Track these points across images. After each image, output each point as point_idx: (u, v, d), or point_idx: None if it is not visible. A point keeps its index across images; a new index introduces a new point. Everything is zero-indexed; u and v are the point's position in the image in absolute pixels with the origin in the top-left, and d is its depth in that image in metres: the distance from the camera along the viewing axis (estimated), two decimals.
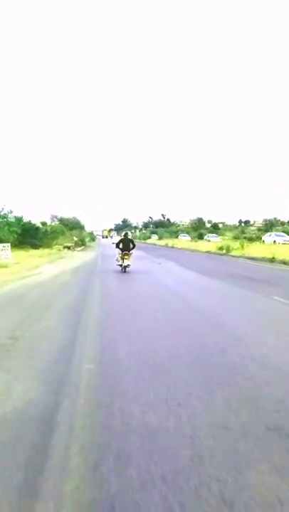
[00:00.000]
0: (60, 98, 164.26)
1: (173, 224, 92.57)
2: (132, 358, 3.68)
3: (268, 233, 37.59)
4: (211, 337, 4.53)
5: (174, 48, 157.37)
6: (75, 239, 39.49)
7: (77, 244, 34.11)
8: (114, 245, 13.72)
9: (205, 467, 1.89)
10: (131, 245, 13.08)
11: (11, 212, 29.02)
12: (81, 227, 63.88)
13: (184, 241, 42.42)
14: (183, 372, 3.29)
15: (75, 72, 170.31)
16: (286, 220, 65.11)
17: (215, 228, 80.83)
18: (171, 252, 26.51)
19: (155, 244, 43.84)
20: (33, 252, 24.83)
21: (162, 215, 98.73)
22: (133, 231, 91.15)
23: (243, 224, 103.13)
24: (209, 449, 2.04)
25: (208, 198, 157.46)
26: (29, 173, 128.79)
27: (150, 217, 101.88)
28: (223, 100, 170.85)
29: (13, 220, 29.48)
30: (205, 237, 45.37)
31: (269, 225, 60.56)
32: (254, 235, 55.00)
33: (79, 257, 20.80)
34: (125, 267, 12.63)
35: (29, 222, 30.79)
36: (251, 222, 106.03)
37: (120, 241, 13.33)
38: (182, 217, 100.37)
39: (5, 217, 28.27)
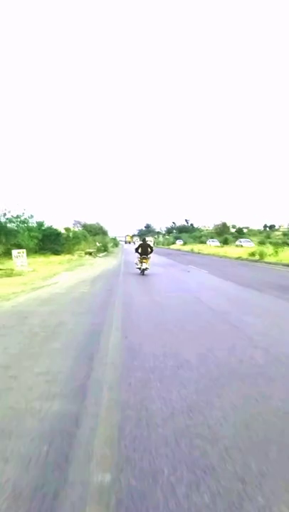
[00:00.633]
0: (86, 107, 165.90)
1: (196, 229, 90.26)
2: None
3: None
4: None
5: (182, 48, 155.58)
6: (98, 244, 38.11)
7: (99, 250, 32.63)
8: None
9: None
10: (149, 250, 13.90)
11: (32, 216, 27.84)
12: (104, 233, 62.86)
13: (210, 246, 40.03)
14: None
15: (97, 82, 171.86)
16: None
17: (240, 233, 77.90)
18: (198, 259, 24.38)
19: (180, 250, 41.75)
20: (53, 258, 23.47)
21: (186, 220, 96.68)
22: (156, 236, 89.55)
23: (268, 228, 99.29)
24: None
25: (231, 202, 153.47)
26: (54, 179, 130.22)
27: (173, 223, 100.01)
28: (246, 104, 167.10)
29: (34, 225, 28.39)
30: (236, 243, 42.35)
31: None
32: (280, 240, 51.94)
33: (100, 265, 19.12)
34: (144, 269, 13.42)
35: (50, 228, 29.51)
36: (276, 227, 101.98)
37: (139, 246, 14.06)
38: (206, 222, 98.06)
39: (25, 222, 27.11)
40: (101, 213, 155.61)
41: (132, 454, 2.07)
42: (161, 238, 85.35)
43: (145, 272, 13.39)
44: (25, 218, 27.72)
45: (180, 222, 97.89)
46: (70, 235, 32.30)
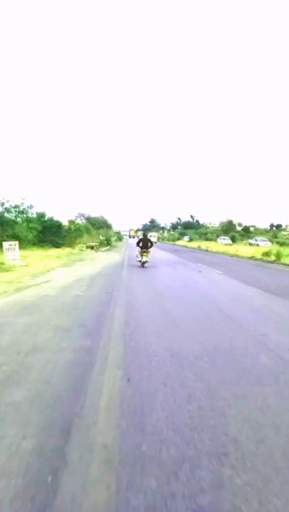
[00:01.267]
0: (92, 101, 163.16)
1: (202, 226, 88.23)
2: None
3: None
4: None
5: (187, 47, 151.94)
6: (102, 238, 36.41)
7: (102, 244, 30.92)
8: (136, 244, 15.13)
9: None
10: (149, 244, 14.48)
11: (32, 207, 26.16)
12: (108, 226, 61.18)
13: (219, 244, 38.08)
14: None
15: (103, 74, 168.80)
16: None
17: (246, 232, 75.94)
18: (208, 257, 22.59)
19: (186, 247, 39.90)
20: (52, 251, 21.79)
21: (191, 217, 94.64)
22: (161, 232, 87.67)
23: (274, 228, 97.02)
24: None
25: (237, 200, 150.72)
26: (59, 172, 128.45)
27: (178, 218, 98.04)
28: (255, 102, 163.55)
29: (34, 216, 26.68)
30: (251, 241, 40.00)
31: None
32: (287, 240, 49.81)
33: (101, 260, 17.42)
34: (144, 262, 14.06)
35: (51, 219, 27.77)
36: (283, 226, 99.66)
37: (140, 240, 14.79)
38: (211, 219, 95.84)
39: (24, 213, 25.42)
40: (106, 207, 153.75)
41: None
42: (166, 234, 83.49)
43: (145, 264, 13.99)
44: (24, 208, 26.09)
45: (185, 218, 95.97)
46: (72, 227, 30.60)
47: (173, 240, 62.61)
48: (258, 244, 32.60)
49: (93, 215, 60.10)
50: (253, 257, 20.58)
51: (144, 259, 14.07)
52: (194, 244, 42.01)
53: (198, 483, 1.77)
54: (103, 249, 27.87)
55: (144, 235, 15.69)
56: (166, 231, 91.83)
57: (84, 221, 51.69)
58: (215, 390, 2.88)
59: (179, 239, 63.65)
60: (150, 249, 14.53)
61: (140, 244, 14.52)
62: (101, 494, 1.69)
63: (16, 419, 2.37)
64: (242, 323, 5.26)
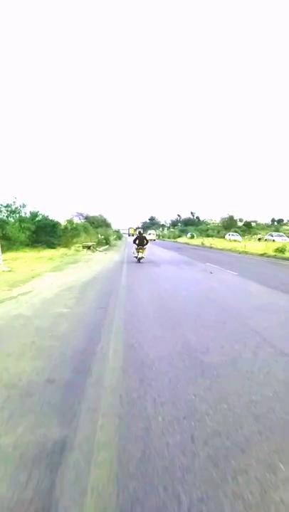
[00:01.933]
0: (90, 99, 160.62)
1: (203, 222, 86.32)
2: None
3: None
4: None
5: (186, 46, 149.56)
6: (100, 237, 34.50)
7: (100, 243, 28.99)
8: (133, 241, 16.03)
9: None
10: (144, 241, 15.35)
11: (24, 206, 24.17)
12: (107, 225, 59.31)
13: (225, 241, 36.00)
14: None
15: (101, 72, 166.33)
16: None
17: (248, 227, 74.09)
18: (214, 254, 20.64)
19: (188, 244, 37.89)
20: (45, 252, 19.88)
21: (191, 213, 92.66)
22: (161, 229, 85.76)
23: (276, 223, 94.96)
24: None
25: (238, 195, 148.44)
26: (57, 171, 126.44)
27: (178, 215, 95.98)
28: (254, 97, 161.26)
29: (27, 215, 24.69)
30: (267, 237, 37.32)
31: None
32: None
33: (98, 261, 15.50)
34: (140, 258, 14.94)
35: (46, 218, 25.73)
36: (285, 221, 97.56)
37: (136, 238, 15.57)
38: (212, 215, 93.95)
39: (16, 212, 23.45)
40: (104, 205, 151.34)
41: None
42: (166, 231, 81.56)
43: (141, 260, 14.86)
44: (17, 208, 24.10)
45: (185, 214, 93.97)
46: (69, 226, 28.62)
47: (174, 238, 60.53)
48: (274, 240, 30.40)
49: (92, 214, 58.23)
50: (265, 253, 18.59)
51: (140, 255, 14.98)
52: (196, 241, 40.00)
53: None
54: (101, 248, 25.93)
55: (140, 233, 16.31)
56: (166, 228, 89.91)
57: (83, 220, 49.90)
58: None
59: (179, 236, 61.62)
60: (146, 246, 15.46)
61: (136, 242, 15.35)
62: None
63: None
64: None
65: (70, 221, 32.88)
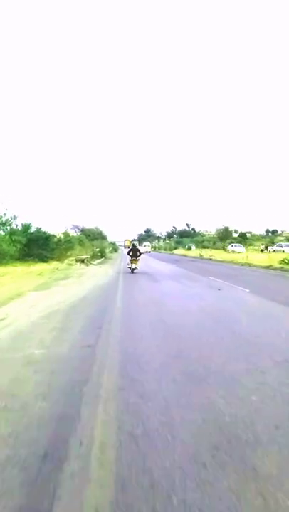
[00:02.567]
0: (86, 111, 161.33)
1: (198, 233, 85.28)
2: None
3: None
4: None
5: (179, 54, 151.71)
6: (96, 249, 32.99)
7: (95, 256, 27.42)
8: (126, 253, 17.03)
9: None
10: (138, 253, 16.10)
11: (15, 218, 22.65)
12: (103, 238, 57.89)
13: (223, 252, 34.54)
14: None
15: (97, 85, 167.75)
16: None
17: (243, 238, 73.13)
18: (215, 267, 19.17)
19: (185, 256, 36.42)
20: (36, 267, 18.25)
21: (187, 225, 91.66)
22: (157, 241, 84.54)
23: (270, 233, 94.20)
24: None
25: (232, 207, 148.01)
26: (53, 184, 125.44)
27: (174, 227, 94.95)
28: (248, 109, 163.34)
29: (19, 227, 23.13)
30: (275, 247, 35.80)
31: None
32: None
33: (91, 276, 13.93)
34: (133, 269, 15.56)
35: (38, 230, 24.15)
36: (279, 232, 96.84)
37: (130, 250, 16.35)
38: (207, 226, 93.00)
39: (6, 224, 21.91)
40: (100, 218, 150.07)
41: None
42: (162, 243, 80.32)
43: (134, 271, 15.46)
44: (7, 220, 22.56)
45: (181, 226, 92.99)
46: (62, 238, 27.05)
47: (170, 249, 59.10)
48: (283, 251, 28.91)
49: (88, 226, 56.89)
50: (270, 266, 17.12)
51: (134, 266, 15.67)
52: (193, 253, 38.53)
53: None
54: (96, 262, 24.35)
55: (134, 245, 16.95)
56: (161, 240, 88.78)
57: (78, 233, 48.51)
58: None
59: (175, 248, 60.22)
60: (139, 258, 16.19)
61: (130, 254, 16.16)
62: None
63: None
64: None
65: (65, 234, 31.40)
